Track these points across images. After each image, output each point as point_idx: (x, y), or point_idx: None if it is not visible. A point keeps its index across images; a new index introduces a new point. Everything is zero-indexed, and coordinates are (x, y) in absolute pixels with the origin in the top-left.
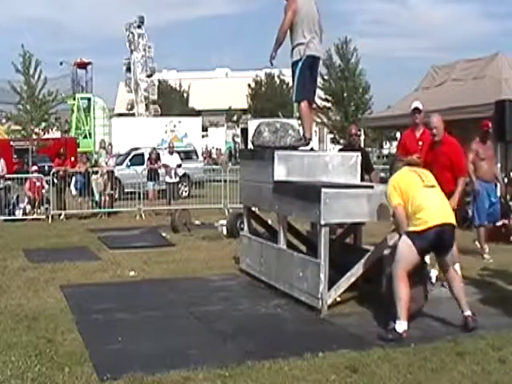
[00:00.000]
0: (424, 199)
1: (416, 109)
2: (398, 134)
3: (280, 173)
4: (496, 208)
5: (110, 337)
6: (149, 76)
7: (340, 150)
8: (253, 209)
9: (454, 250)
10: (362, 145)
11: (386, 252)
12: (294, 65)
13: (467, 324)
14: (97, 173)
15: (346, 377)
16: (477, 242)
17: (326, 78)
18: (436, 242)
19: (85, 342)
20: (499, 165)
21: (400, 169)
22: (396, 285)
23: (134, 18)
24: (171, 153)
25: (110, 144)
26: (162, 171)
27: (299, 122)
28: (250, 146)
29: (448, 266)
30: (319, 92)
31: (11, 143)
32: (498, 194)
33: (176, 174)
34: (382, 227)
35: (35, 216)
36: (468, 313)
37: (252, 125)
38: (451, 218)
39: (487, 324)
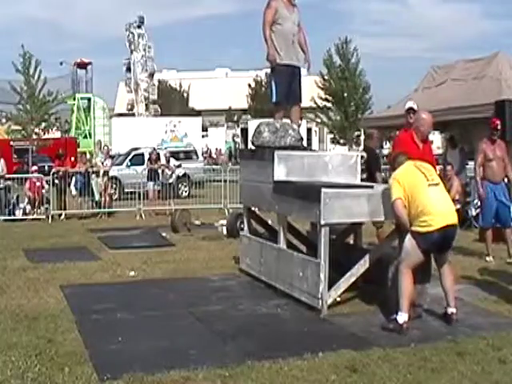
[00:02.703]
0: (428, 201)
1: (410, 109)
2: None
3: (280, 173)
4: (506, 211)
5: (110, 337)
6: (149, 76)
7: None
8: (253, 209)
9: None
10: (362, 145)
11: (388, 252)
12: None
13: (449, 320)
14: (97, 173)
15: (346, 377)
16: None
17: (326, 78)
18: (439, 243)
19: (85, 342)
20: None
21: (403, 163)
22: (400, 280)
23: (134, 18)
24: (168, 161)
25: (106, 145)
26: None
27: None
28: (250, 145)
29: (445, 261)
30: (319, 92)
31: (11, 143)
32: None
33: (172, 175)
34: (382, 227)
35: (35, 216)
36: (453, 310)
37: (252, 125)
38: (454, 219)
39: (487, 324)
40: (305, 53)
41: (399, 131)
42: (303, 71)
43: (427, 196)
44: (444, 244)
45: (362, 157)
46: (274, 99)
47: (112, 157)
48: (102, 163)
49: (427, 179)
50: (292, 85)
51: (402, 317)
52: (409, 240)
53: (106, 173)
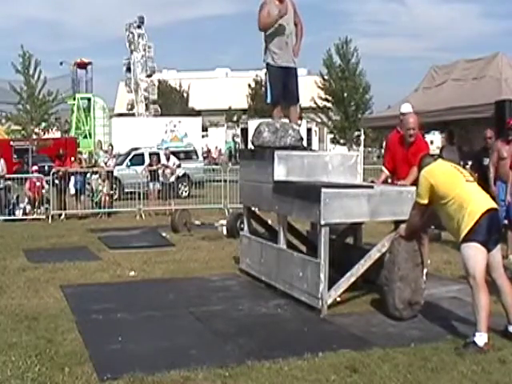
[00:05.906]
0: (469, 194)
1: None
2: None
3: (280, 173)
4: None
5: (110, 337)
6: (149, 76)
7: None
8: (253, 209)
9: (425, 247)
10: (362, 145)
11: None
12: None
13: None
14: (96, 173)
15: (346, 377)
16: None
17: (326, 77)
18: (489, 228)
19: (85, 342)
20: None
21: (430, 164)
22: (477, 295)
23: (134, 18)
24: (168, 158)
25: (111, 144)
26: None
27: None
28: (250, 145)
29: (499, 268)
30: (319, 92)
31: (11, 143)
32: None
33: (172, 174)
34: (382, 227)
35: (35, 216)
36: None
37: (252, 125)
38: (494, 204)
39: None
40: (297, 41)
41: (391, 131)
42: (303, 71)
43: (467, 190)
44: (493, 228)
45: None
46: (268, 100)
47: (114, 156)
48: (106, 163)
49: (463, 175)
50: (288, 86)
51: (482, 338)
52: (465, 247)
53: (109, 173)
